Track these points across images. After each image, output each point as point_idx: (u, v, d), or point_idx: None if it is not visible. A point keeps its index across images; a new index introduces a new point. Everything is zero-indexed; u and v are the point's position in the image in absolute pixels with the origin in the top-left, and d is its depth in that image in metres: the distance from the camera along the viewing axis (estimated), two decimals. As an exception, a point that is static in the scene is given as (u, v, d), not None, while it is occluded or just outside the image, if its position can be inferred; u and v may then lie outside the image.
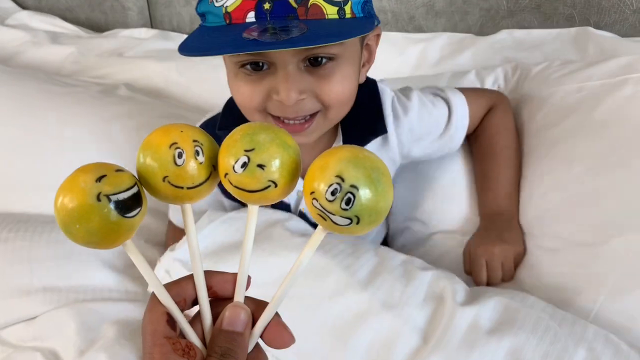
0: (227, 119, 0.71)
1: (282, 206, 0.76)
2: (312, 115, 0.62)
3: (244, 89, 0.60)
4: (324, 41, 0.52)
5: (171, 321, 0.35)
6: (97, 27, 1.54)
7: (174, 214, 0.81)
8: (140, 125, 1.00)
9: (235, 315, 0.35)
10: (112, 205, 0.31)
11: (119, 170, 0.33)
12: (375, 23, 0.62)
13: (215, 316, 0.36)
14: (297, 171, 0.35)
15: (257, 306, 0.36)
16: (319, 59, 0.58)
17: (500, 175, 0.78)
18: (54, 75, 1.23)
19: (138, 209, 0.33)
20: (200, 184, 0.35)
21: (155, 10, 1.45)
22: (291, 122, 0.61)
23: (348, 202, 0.31)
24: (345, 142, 0.70)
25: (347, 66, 0.60)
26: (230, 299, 0.36)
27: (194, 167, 0.35)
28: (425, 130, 0.76)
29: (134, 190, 0.33)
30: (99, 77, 1.27)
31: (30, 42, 1.41)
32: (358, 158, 0.32)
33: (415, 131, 0.75)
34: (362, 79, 0.68)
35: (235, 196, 0.35)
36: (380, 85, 0.73)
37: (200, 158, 0.35)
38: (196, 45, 0.57)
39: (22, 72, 1.16)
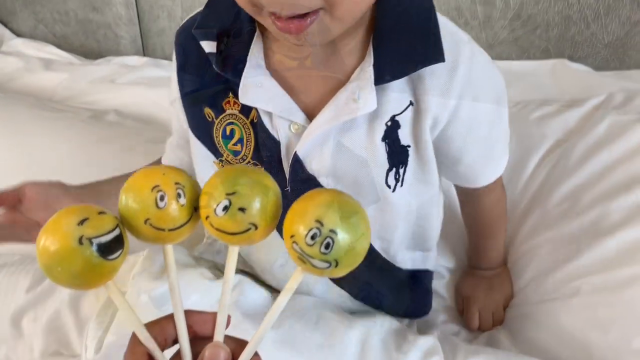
0: (208, 16, 0.55)
1: (271, 145, 0.56)
2: (311, 14, 0.43)
3: None
4: None
5: None
6: (91, 55, 1.57)
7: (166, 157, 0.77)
8: (127, 148, 1.02)
9: (215, 354, 0.35)
10: (94, 248, 0.33)
11: (102, 212, 0.34)
12: None
13: (195, 355, 0.37)
14: (278, 213, 0.35)
15: (237, 345, 0.37)
16: None
17: (495, 241, 0.77)
18: (45, 100, 1.25)
19: (120, 251, 0.34)
20: (182, 226, 0.36)
21: (147, 38, 1.49)
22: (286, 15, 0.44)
23: (327, 246, 0.32)
24: (378, 67, 0.49)
25: None
26: (210, 338, 0.37)
27: (175, 209, 0.35)
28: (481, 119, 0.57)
29: (116, 232, 0.34)
30: (90, 102, 1.30)
31: (24, 68, 1.43)
32: (337, 202, 0.33)
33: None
34: None
35: (217, 238, 0.35)
36: (451, 26, 0.54)
37: (182, 200, 0.35)
38: None
39: (13, 97, 1.19)
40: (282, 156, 0.55)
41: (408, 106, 0.52)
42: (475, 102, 0.53)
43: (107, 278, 0.35)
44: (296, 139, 0.54)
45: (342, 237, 0.32)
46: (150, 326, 0.36)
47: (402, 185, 0.57)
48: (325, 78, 0.53)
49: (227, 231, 0.35)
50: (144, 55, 1.51)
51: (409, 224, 0.63)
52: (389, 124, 0.53)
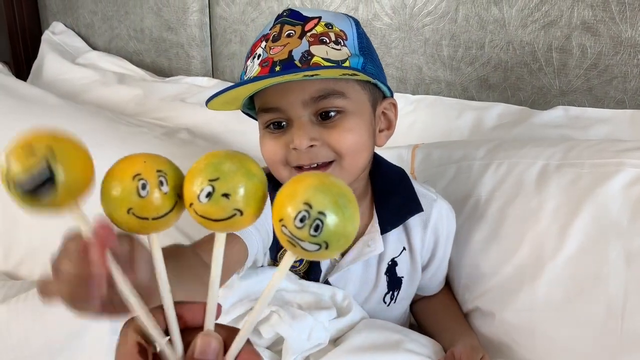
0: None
1: (317, 270, 0.79)
2: (328, 164, 0.69)
3: (268, 145, 0.70)
4: (315, 69, 0.63)
5: (142, 352, 0.35)
6: (161, 72, 1.63)
7: None
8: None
9: (206, 343, 0.35)
10: (18, 190, 0.33)
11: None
12: (388, 95, 0.76)
13: (186, 345, 0.36)
14: (264, 199, 0.35)
15: (228, 334, 0.37)
16: (329, 113, 0.67)
17: (464, 325, 0.88)
18: (120, 114, 1.30)
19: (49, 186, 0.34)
20: (165, 214, 0.35)
21: (218, 61, 1.53)
22: (308, 167, 0.68)
23: (316, 228, 0.32)
24: (380, 219, 0.78)
25: (354, 119, 0.69)
26: (201, 327, 0.37)
27: (158, 197, 0.34)
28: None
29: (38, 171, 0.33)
30: (161, 119, 1.34)
31: (99, 81, 1.50)
32: (325, 184, 0.33)
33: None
34: (381, 143, 0.77)
35: (201, 225, 0.35)
36: (419, 187, 0.83)
37: (165, 188, 0.35)
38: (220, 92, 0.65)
39: (90, 108, 1.23)
40: (320, 279, 0.78)
41: (402, 251, 0.82)
42: (439, 239, 0.84)
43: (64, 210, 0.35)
44: (331, 268, 0.79)
45: (331, 218, 0.32)
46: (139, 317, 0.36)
47: (395, 302, 0.84)
48: None
49: (211, 217, 0.34)
50: (213, 76, 1.56)
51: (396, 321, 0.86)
52: (390, 263, 0.81)
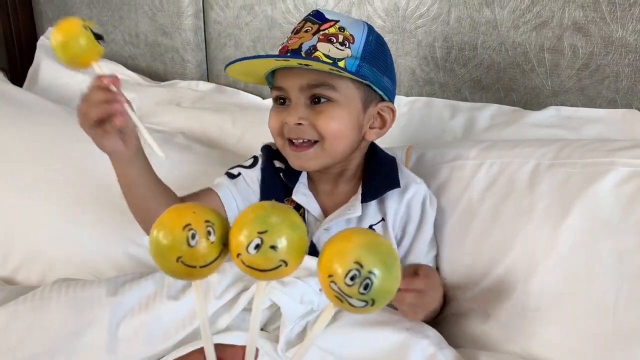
0: (282, 156, 0.90)
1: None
2: (313, 144, 0.82)
3: (272, 117, 0.86)
4: (306, 60, 0.76)
5: None
6: (156, 76, 1.63)
7: (220, 185, 0.90)
8: (198, 173, 1.06)
9: None
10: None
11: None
12: (386, 99, 0.86)
13: None
14: (305, 248, 0.37)
15: None
16: (319, 99, 0.80)
17: None
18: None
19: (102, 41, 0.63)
20: (212, 262, 0.37)
21: (212, 65, 1.54)
22: (296, 142, 0.82)
23: (366, 287, 0.34)
24: (364, 191, 0.88)
25: (340, 110, 0.81)
26: None
27: (205, 247, 0.36)
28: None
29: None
30: (156, 123, 1.35)
31: (94, 86, 1.50)
32: (373, 244, 0.35)
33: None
34: (372, 138, 0.88)
35: (248, 274, 0.37)
36: (407, 172, 0.91)
37: (212, 238, 0.37)
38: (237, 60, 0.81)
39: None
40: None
41: (380, 221, 0.88)
42: (411, 215, 0.89)
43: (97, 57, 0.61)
44: (315, 229, 0.88)
45: (380, 278, 0.34)
46: None
47: None
48: (335, 199, 0.90)
49: (258, 268, 0.36)
50: (208, 80, 1.57)
51: None
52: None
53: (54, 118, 1.14)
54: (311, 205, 0.89)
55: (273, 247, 0.35)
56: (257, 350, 0.39)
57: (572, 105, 1.11)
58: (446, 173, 0.95)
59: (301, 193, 0.90)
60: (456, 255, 0.90)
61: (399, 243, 0.89)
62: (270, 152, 0.94)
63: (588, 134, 1.04)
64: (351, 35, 0.81)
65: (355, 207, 0.87)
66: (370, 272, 0.33)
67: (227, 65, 0.82)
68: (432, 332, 0.75)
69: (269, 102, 1.42)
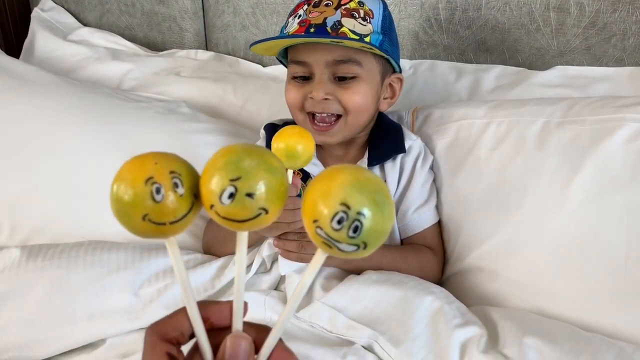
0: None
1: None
2: (336, 120, 0.85)
3: (292, 92, 0.86)
4: (341, 39, 0.77)
5: None
6: (154, 46, 1.60)
7: None
8: (205, 143, 1.05)
9: (236, 345, 0.34)
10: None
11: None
12: (397, 69, 0.90)
13: (215, 347, 0.35)
14: (286, 192, 0.33)
15: (258, 332, 0.35)
16: (345, 77, 0.83)
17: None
18: (116, 90, 1.29)
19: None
20: (183, 217, 0.33)
21: (211, 33, 1.52)
22: (320, 124, 0.85)
23: (355, 229, 0.30)
24: (370, 156, 0.90)
25: (364, 85, 0.84)
26: (228, 328, 0.35)
27: (174, 201, 0.32)
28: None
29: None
30: (157, 94, 1.33)
31: (92, 57, 1.47)
32: (360, 181, 0.31)
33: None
34: (383, 108, 0.92)
35: (225, 226, 0.33)
36: (405, 131, 0.94)
37: (180, 190, 0.33)
38: (266, 40, 0.83)
39: (89, 85, 1.22)
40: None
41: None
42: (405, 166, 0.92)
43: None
44: None
45: (370, 218, 0.30)
46: (164, 322, 0.35)
47: None
48: (344, 162, 0.92)
49: (235, 219, 0.32)
50: (207, 49, 1.54)
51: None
52: None
53: (55, 89, 1.12)
54: None
55: (249, 195, 0.31)
56: (245, 304, 0.36)
57: (578, 65, 1.10)
58: (453, 132, 0.94)
59: (311, 163, 0.89)
60: (463, 213, 0.90)
61: (399, 199, 0.92)
62: (274, 131, 0.94)
63: (595, 93, 1.03)
64: (370, 10, 0.84)
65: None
66: (358, 212, 0.30)
67: (253, 44, 0.84)
68: (437, 289, 0.76)
69: (270, 70, 1.41)
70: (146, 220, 0.32)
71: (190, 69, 1.42)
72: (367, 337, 0.69)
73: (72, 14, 1.70)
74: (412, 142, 0.92)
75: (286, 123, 0.95)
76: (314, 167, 0.91)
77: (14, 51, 1.68)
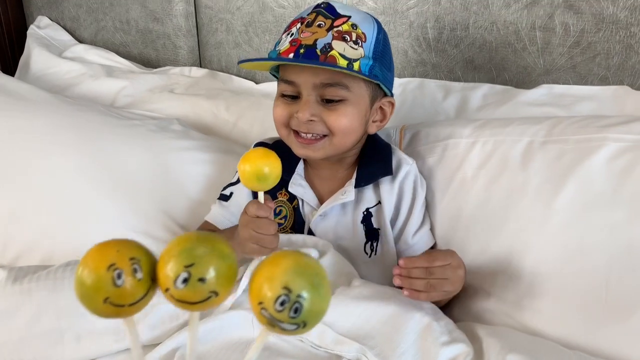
0: (279, 142, 0.94)
1: (300, 222, 0.92)
2: (321, 137, 0.85)
3: (279, 108, 0.87)
4: (326, 66, 0.78)
5: None
6: (149, 63, 1.62)
7: (214, 215, 0.94)
8: (196, 160, 1.07)
9: None
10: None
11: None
12: (388, 94, 0.89)
13: None
14: (234, 276, 0.37)
15: None
16: (332, 100, 0.83)
17: None
18: (110, 107, 1.30)
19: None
20: (141, 299, 0.37)
21: (205, 50, 1.54)
22: (304, 135, 0.85)
23: (296, 310, 0.34)
24: (358, 177, 0.91)
25: (351, 108, 0.84)
26: None
27: (133, 285, 0.36)
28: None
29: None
30: (150, 110, 1.34)
31: (87, 74, 1.49)
32: (300, 266, 0.35)
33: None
34: (372, 131, 0.91)
35: (178, 308, 0.37)
36: (400, 154, 0.94)
37: (139, 275, 0.36)
38: (255, 60, 0.86)
39: (83, 102, 1.24)
40: (305, 229, 0.91)
41: (377, 204, 0.91)
42: (403, 194, 0.91)
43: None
44: (312, 217, 0.90)
45: (309, 300, 0.34)
46: None
47: (375, 254, 0.91)
48: (331, 185, 0.93)
49: (188, 301, 0.36)
50: (201, 66, 1.56)
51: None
52: (364, 213, 0.91)
53: (49, 107, 1.14)
54: (307, 195, 0.92)
55: (201, 280, 0.35)
56: None
57: (564, 83, 1.12)
58: (440, 151, 0.96)
59: (297, 184, 0.92)
60: (451, 232, 0.91)
61: (392, 222, 0.91)
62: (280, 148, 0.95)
63: (580, 111, 1.05)
64: (363, 33, 0.83)
65: (349, 192, 0.89)
66: (298, 295, 0.34)
67: (241, 62, 0.85)
68: (427, 304, 0.77)
69: (263, 86, 1.43)
70: (107, 302, 0.36)
71: (184, 86, 1.43)
72: (355, 352, 0.69)
73: (67, 31, 1.72)
74: (409, 166, 0.92)
75: (277, 141, 0.95)
76: (301, 189, 0.91)
77: (10, 68, 1.70)
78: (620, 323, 0.72)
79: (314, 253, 0.82)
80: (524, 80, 1.16)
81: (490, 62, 1.18)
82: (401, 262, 0.74)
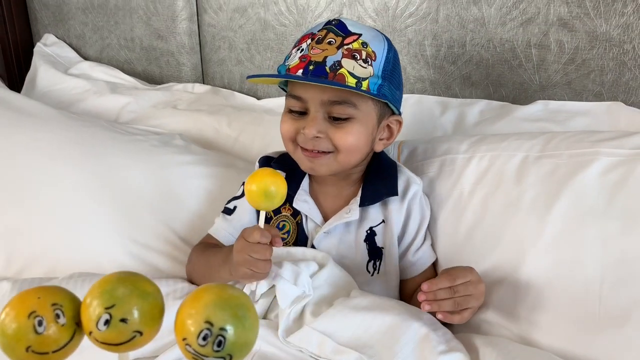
0: (283, 157, 0.95)
1: (303, 238, 0.92)
2: (326, 153, 0.84)
3: (286, 124, 0.86)
4: (335, 85, 0.78)
5: None
6: (152, 79, 1.66)
7: (217, 229, 0.94)
8: (197, 174, 1.09)
9: None
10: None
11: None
12: (396, 112, 0.89)
13: None
14: (161, 315, 0.37)
15: None
16: (339, 118, 0.82)
17: None
18: (114, 122, 1.33)
19: None
20: (66, 344, 0.36)
21: (208, 67, 1.57)
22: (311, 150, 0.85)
23: (219, 344, 0.34)
24: (362, 196, 0.90)
25: (358, 126, 0.83)
26: None
27: (55, 331, 0.35)
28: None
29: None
30: (154, 126, 1.37)
31: (91, 90, 1.52)
32: (223, 299, 0.34)
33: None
34: (378, 149, 0.91)
35: (104, 350, 0.36)
36: (408, 173, 0.94)
37: (62, 320, 0.36)
38: (263, 76, 0.88)
39: (87, 118, 1.26)
40: (308, 245, 0.91)
41: (381, 222, 0.91)
42: (411, 214, 0.92)
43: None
44: (315, 234, 0.90)
45: (232, 332, 0.34)
46: None
47: (378, 273, 0.91)
48: (336, 202, 0.92)
49: (112, 343, 0.35)
50: (204, 82, 1.59)
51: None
52: (368, 232, 0.91)
53: (54, 124, 1.16)
54: (312, 211, 0.91)
55: (123, 320, 0.35)
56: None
57: (559, 99, 1.14)
58: (437, 167, 0.97)
59: (302, 200, 0.92)
60: (449, 246, 0.92)
61: (399, 239, 0.92)
62: (269, 164, 0.96)
63: (575, 127, 1.06)
64: (373, 52, 0.82)
65: (353, 210, 0.89)
66: (221, 328, 0.34)
67: (250, 77, 0.85)
68: (426, 315, 0.78)
69: (264, 102, 1.45)
70: (29, 351, 0.35)
71: (187, 102, 1.46)
72: None
73: (73, 48, 1.76)
74: (418, 186, 0.92)
75: (282, 155, 0.96)
76: (306, 205, 0.91)
77: (17, 84, 1.74)
78: (613, 333, 0.73)
79: (312, 265, 0.82)
80: (520, 96, 1.19)
81: (487, 78, 1.20)
82: (424, 286, 0.75)
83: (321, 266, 0.84)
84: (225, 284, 0.37)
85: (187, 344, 0.34)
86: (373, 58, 0.82)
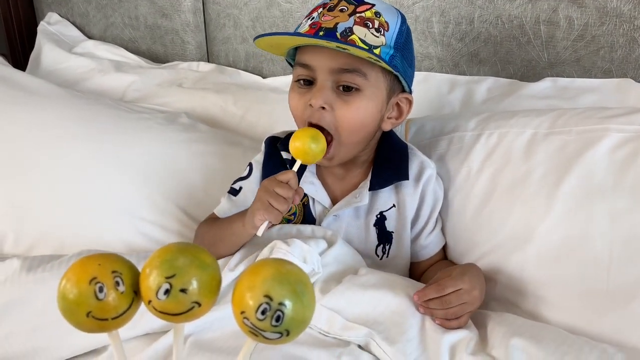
0: (287, 145, 0.86)
1: (310, 219, 0.91)
2: (329, 144, 0.80)
3: (294, 99, 0.83)
4: (347, 45, 0.73)
5: None
6: (157, 58, 1.65)
7: (222, 210, 0.93)
8: (203, 152, 1.09)
9: None
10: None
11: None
12: (407, 90, 0.86)
13: None
14: (218, 286, 0.37)
15: None
16: (350, 87, 0.79)
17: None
18: (119, 101, 1.33)
19: None
20: (124, 312, 0.37)
21: (212, 45, 1.55)
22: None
23: (278, 319, 0.34)
24: (372, 179, 0.88)
25: (367, 100, 0.80)
26: None
27: (115, 298, 0.36)
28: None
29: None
30: (159, 105, 1.37)
31: (96, 69, 1.52)
32: (282, 274, 0.34)
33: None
34: (386, 128, 0.88)
35: (161, 319, 0.37)
36: (421, 157, 0.92)
37: (121, 288, 0.36)
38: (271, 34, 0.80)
39: (93, 97, 1.26)
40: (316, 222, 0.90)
41: (392, 207, 0.90)
42: (425, 198, 0.90)
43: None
44: (323, 216, 0.90)
45: (291, 308, 0.34)
46: None
47: (387, 257, 0.91)
48: (344, 185, 0.91)
49: (170, 312, 0.36)
50: (209, 61, 1.58)
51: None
52: (378, 216, 0.90)
53: (60, 101, 1.16)
54: (319, 194, 0.90)
55: (183, 290, 0.35)
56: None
57: (568, 77, 1.13)
58: (445, 144, 0.97)
59: (309, 182, 0.90)
60: (458, 224, 0.92)
61: (412, 224, 0.91)
62: (275, 145, 0.94)
63: (584, 104, 1.05)
64: (386, 22, 0.79)
65: (362, 195, 0.87)
66: (280, 303, 0.34)
67: (257, 37, 0.79)
68: None
69: (270, 80, 1.44)
70: (90, 316, 0.36)
71: (192, 81, 1.45)
72: (364, 336, 0.70)
73: (77, 27, 1.75)
74: (432, 170, 0.90)
75: (288, 135, 0.94)
76: (312, 187, 0.90)
77: (21, 63, 1.73)
78: (621, 309, 0.73)
79: (322, 243, 0.82)
80: (529, 73, 1.17)
81: (495, 55, 1.19)
82: (415, 297, 0.74)
83: (330, 244, 0.84)
84: (283, 260, 0.36)
85: (245, 318, 0.34)
86: (386, 28, 0.79)
